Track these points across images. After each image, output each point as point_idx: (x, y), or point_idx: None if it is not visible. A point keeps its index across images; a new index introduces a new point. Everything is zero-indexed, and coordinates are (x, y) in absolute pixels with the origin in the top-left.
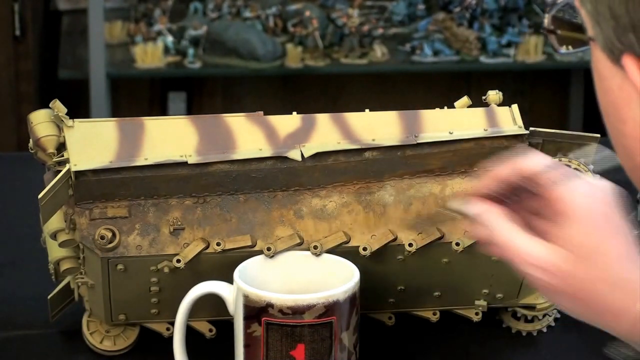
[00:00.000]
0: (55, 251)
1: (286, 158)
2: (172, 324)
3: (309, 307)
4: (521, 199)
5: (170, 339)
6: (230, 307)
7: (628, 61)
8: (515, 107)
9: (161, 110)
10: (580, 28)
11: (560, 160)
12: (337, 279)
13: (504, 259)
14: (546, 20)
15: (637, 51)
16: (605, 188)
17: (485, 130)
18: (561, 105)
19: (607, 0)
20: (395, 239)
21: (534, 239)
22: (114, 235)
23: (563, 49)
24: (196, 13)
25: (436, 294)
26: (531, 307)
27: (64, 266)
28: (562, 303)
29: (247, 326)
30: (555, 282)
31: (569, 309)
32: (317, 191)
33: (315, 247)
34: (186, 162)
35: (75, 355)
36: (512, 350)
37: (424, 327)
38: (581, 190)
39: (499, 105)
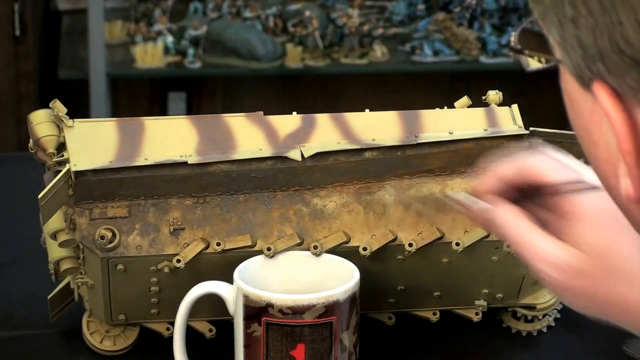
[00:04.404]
0: (55, 251)
1: (286, 158)
2: (172, 324)
3: (309, 307)
4: (527, 197)
5: (170, 339)
6: (230, 307)
7: (598, 88)
8: (515, 107)
9: (161, 110)
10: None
11: None
12: (337, 279)
13: (517, 255)
14: (512, 39)
15: (607, 79)
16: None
17: (485, 130)
18: (561, 105)
19: (573, 30)
20: (395, 239)
21: (549, 237)
22: (114, 235)
23: (532, 66)
24: (196, 13)
25: (436, 294)
26: (531, 307)
27: (64, 266)
28: (576, 302)
29: (247, 326)
30: (570, 282)
31: (582, 308)
32: (317, 191)
33: (315, 247)
34: (186, 162)
35: (75, 355)
36: (512, 350)
37: (424, 327)
38: (592, 196)
39: (499, 105)
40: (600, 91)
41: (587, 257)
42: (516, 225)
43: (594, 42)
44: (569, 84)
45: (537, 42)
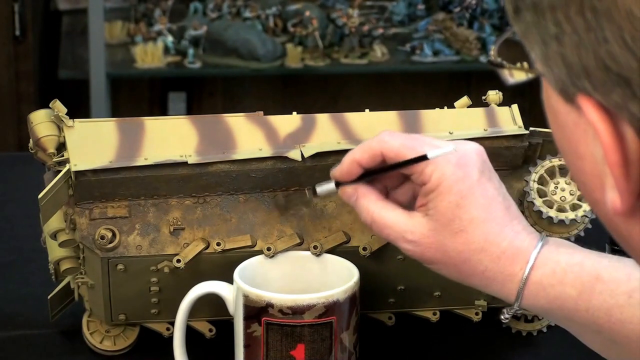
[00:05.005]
0: (55, 251)
1: (286, 158)
2: (172, 324)
3: (309, 307)
4: (388, 176)
5: (170, 339)
6: (230, 307)
7: (584, 102)
8: (515, 107)
9: (161, 110)
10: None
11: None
12: (337, 279)
13: (383, 237)
14: (492, 53)
15: (592, 95)
16: (472, 153)
17: (485, 130)
18: None
19: (557, 47)
20: None
21: (398, 211)
22: (114, 235)
23: (516, 78)
24: (196, 13)
25: (436, 294)
26: None
27: (64, 266)
28: (443, 272)
29: (247, 326)
30: (427, 253)
31: (452, 278)
32: None
33: (315, 247)
34: (186, 162)
35: (75, 355)
36: (512, 350)
37: (424, 327)
38: (446, 161)
39: (499, 105)
40: (586, 104)
41: (443, 227)
42: (367, 208)
43: (578, 59)
44: (551, 97)
45: (518, 53)
